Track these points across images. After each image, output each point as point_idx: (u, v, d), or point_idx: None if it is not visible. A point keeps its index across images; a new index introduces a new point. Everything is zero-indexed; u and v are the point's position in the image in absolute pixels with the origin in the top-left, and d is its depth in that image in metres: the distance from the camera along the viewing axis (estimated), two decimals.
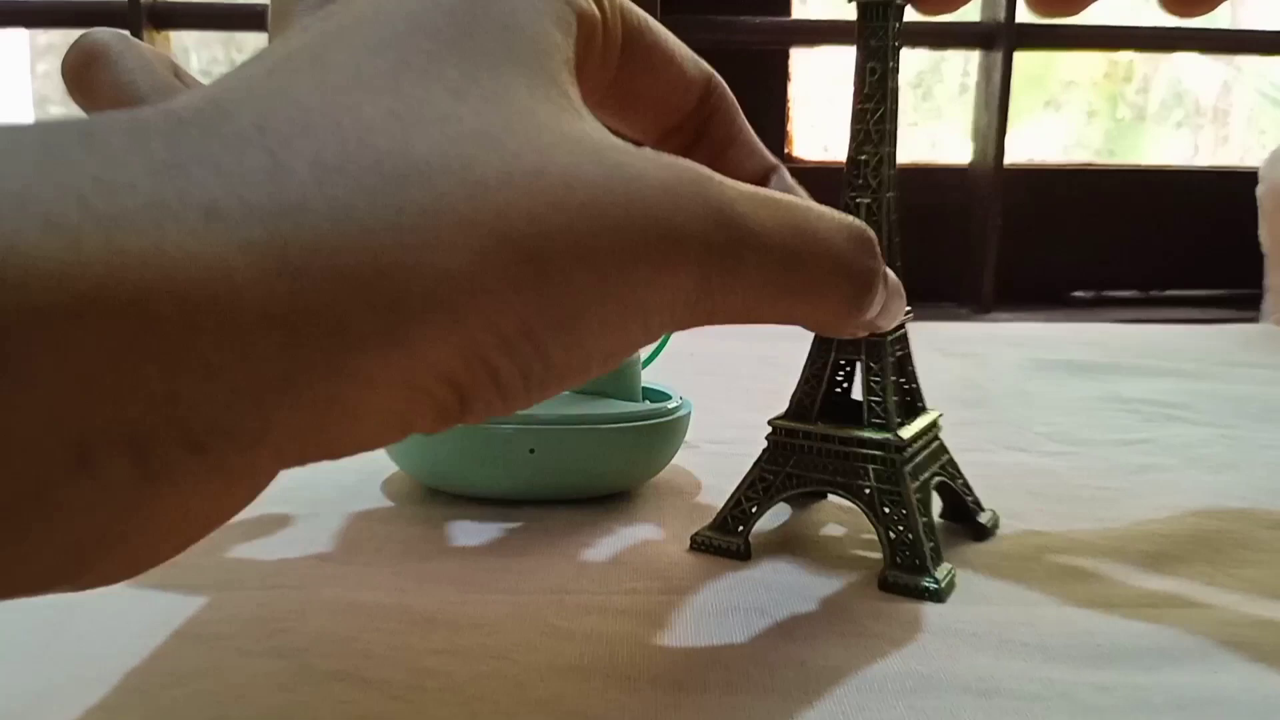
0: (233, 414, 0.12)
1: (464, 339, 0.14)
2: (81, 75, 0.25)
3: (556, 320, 0.15)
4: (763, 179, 0.24)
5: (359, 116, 0.14)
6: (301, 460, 0.14)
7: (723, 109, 0.25)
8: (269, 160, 0.13)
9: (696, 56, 0.24)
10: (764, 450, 0.32)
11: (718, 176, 0.17)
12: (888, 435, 0.29)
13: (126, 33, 0.26)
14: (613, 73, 0.21)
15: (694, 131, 0.24)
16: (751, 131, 0.25)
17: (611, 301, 0.16)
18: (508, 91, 0.16)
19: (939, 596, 0.28)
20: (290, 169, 0.13)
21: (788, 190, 0.24)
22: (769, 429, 0.31)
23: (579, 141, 0.16)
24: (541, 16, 0.17)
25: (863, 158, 0.29)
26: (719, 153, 0.24)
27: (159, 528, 0.13)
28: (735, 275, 0.17)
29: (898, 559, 0.29)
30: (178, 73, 0.26)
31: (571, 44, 0.18)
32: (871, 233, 0.21)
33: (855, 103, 0.29)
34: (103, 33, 0.25)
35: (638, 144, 0.17)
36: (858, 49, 0.29)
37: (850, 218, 0.20)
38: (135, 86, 0.24)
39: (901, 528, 0.29)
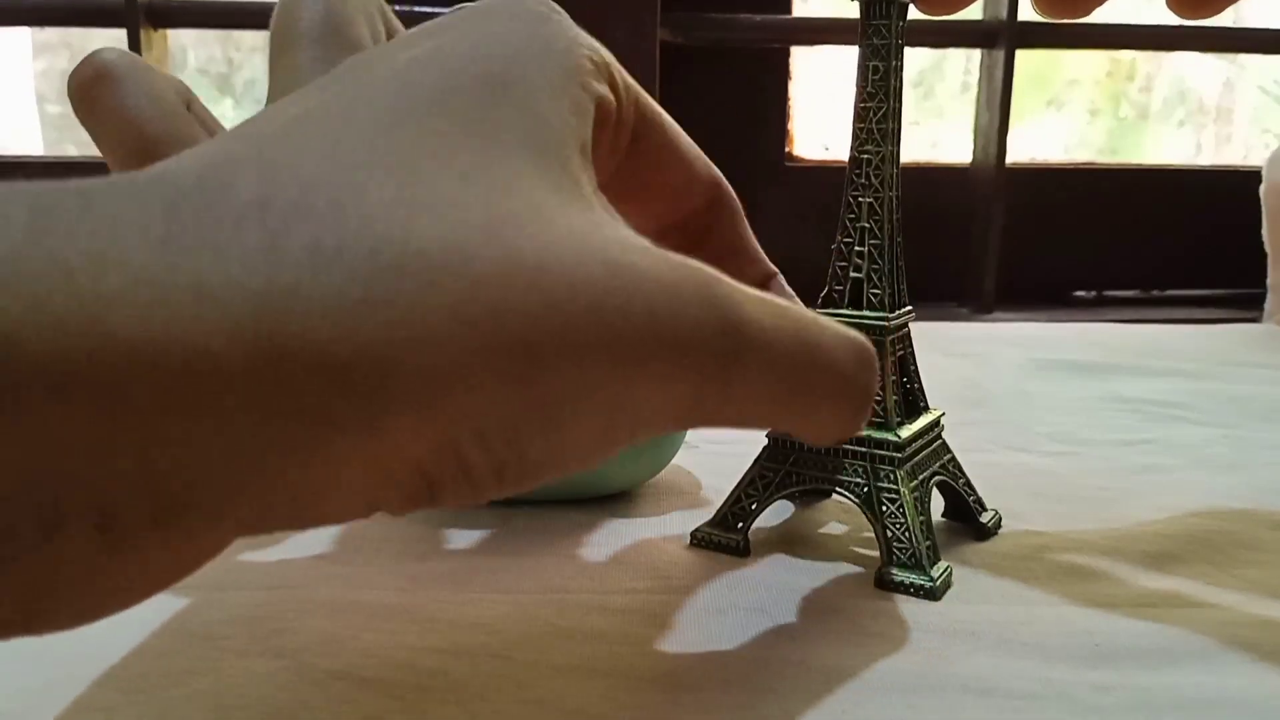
0: (201, 490, 0.12)
1: (440, 433, 0.14)
2: (87, 94, 0.25)
3: (538, 420, 0.15)
4: (763, 287, 0.24)
5: (363, 199, 0.14)
6: (263, 530, 0.14)
7: (728, 214, 0.24)
8: (266, 240, 0.13)
9: (707, 159, 0.23)
10: (764, 447, 0.32)
11: (728, 280, 0.17)
12: (887, 434, 0.29)
13: (138, 56, 0.26)
14: (619, 160, 0.21)
15: (697, 234, 0.24)
16: (754, 239, 0.25)
17: (600, 406, 0.15)
18: (518, 179, 0.15)
19: (934, 594, 0.28)
20: (286, 250, 0.13)
21: (785, 298, 0.23)
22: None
23: (586, 237, 0.15)
24: (560, 101, 0.17)
25: (865, 157, 0.29)
26: (721, 258, 0.23)
27: (113, 586, 0.13)
28: (735, 385, 0.17)
29: (894, 556, 0.29)
30: (189, 102, 0.26)
31: (588, 130, 0.17)
32: (873, 349, 0.20)
33: (857, 101, 0.29)
34: (112, 53, 0.25)
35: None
36: (860, 47, 0.29)
37: (854, 333, 0.20)
38: (140, 110, 0.24)
39: (898, 526, 0.29)
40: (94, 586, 0.13)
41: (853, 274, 0.30)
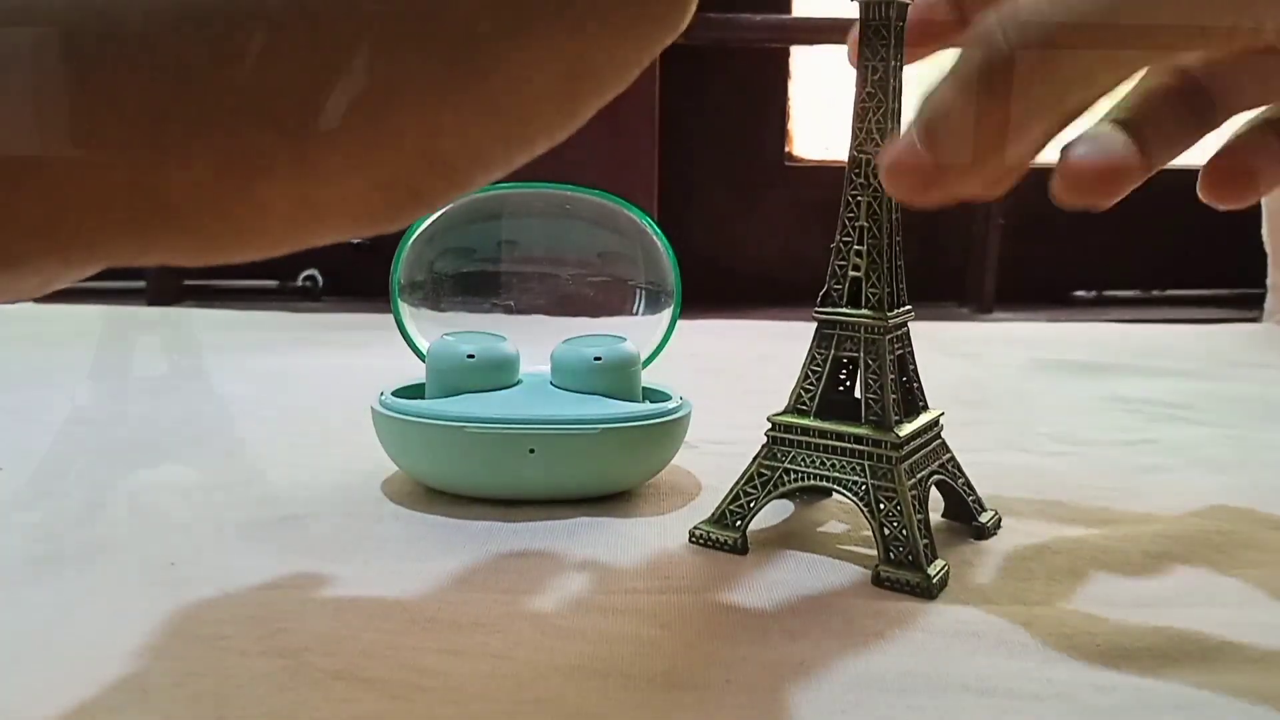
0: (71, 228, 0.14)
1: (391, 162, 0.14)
2: None
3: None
4: None
5: None
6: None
7: None
8: None
9: None
10: (762, 446, 0.32)
11: None
12: (884, 433, 0.29)
13: None
14: None
15: None
16: None
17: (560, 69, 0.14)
18: None
19: (930, 592, 0.28)
20: None
21: None
22: (768, 425, 0.31)
23: None
24: None
25: (864, 156, 0.29)
26: None
27: None
28: None
29: (891, 555, 0.29)
30: None
31: None
32: None
33: (857, 101, 0.29)
34: None
35: None
36: (860, 47, 0.29)
37: None
38: None
39: (896, 524, 0.29)
40: None
41: (851, 273, 0.30)
